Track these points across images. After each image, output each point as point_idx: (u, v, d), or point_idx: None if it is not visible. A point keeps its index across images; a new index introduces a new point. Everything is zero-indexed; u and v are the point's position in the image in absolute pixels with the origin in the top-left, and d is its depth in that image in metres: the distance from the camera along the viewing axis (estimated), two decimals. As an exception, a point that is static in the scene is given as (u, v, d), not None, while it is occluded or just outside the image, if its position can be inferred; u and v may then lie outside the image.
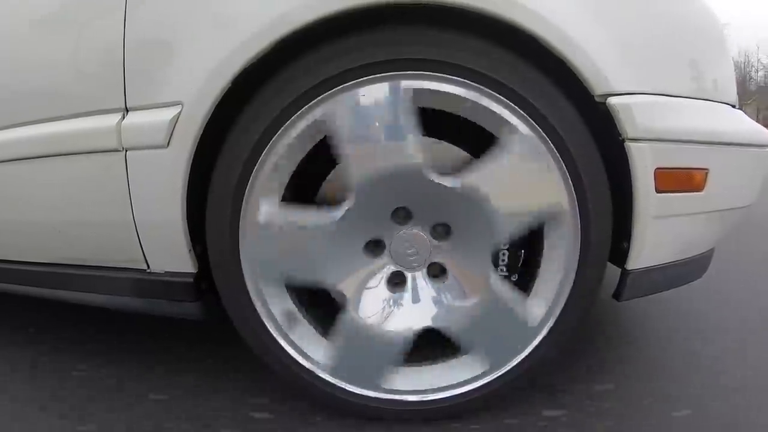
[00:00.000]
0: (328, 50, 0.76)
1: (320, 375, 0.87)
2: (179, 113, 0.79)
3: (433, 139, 0.86)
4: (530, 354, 0.86)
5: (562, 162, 0.78)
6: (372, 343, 0.86)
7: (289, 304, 0.87)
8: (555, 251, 0.84)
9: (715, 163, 0.85)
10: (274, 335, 0.86)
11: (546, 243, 0.84)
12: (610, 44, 0.76)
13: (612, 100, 0.76)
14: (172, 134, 0.79)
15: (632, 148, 0.78)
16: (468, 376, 0.87)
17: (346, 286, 0.85)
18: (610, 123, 0.77)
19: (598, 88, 0.76)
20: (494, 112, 0.77)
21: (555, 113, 0.77)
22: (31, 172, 0.95)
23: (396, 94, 0.75)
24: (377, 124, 0.76)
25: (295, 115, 0.77)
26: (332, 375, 0.87)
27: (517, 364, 0.86)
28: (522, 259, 0.94)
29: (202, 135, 0.79)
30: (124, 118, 0.83)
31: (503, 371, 0.87)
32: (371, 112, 0.76)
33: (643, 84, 0.78)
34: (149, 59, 0.81)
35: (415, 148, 0.77)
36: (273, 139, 0.78)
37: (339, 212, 0.80)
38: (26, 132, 0.93)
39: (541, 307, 0.85)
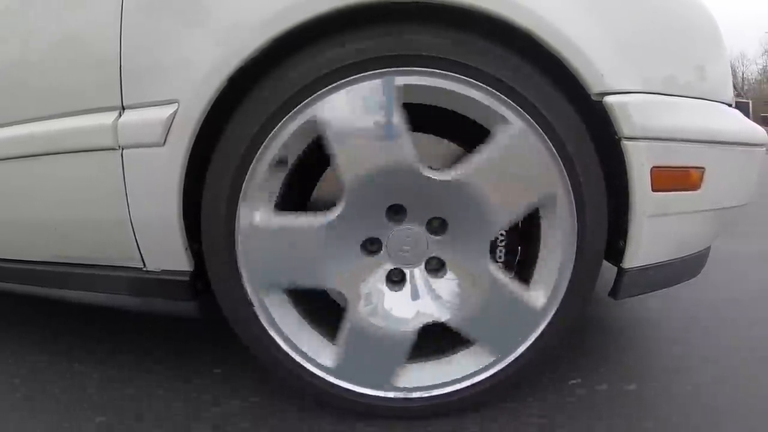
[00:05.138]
0: (319, 49, 0.76)
1: (324, 377, 0.86)
2: (175, 111, 0.78)
3: (423, 134, 0.85)
4: (536, 341, 0.85)
5: (558, 159, 0.78)
6: (377, 342, 0.85)
7: (289, 308, 0.87)
8: (552, 240, 0.84)
9: (712, 161, 0.85)
10: (272, 335, 0.85)
11: (542, 234, 0.84)
12: (606, 43, 0.76)
13: (608, 99, 0.76)
14: (168, 132, 0.79)
15: (628, 146, 0.78)
16: (476, 368, 0.87)
17: (345, 287, 0.84)
18: (606, 121, 0.77)
19: (594, 86, 0.76)
20: (488, 107, 0.77)
21: (551, 109, 0.77)
22: (27, 170, 0.94)
23: (385, 91, 0.75)
24: (366, 122, 0.76)
25: (289, 114, 0.77)
26: (339, 377, 0.87)
27: (525, 351, 0.86)
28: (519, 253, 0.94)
29: (198, 133, 0.79)
30: (120, 116, 0.83)
31: (511, 360, 0.86)
32: (359, 111, 0.76)
33: (639, 82, 0.78)
34: (146, 57, 0.81)
35: (405, 144, 0.77)
36: (268, 138, 0.77)
37: (334, 213, 0.80)
38: (22, 130, 0.93)
39: (542, 295, 0.85)
